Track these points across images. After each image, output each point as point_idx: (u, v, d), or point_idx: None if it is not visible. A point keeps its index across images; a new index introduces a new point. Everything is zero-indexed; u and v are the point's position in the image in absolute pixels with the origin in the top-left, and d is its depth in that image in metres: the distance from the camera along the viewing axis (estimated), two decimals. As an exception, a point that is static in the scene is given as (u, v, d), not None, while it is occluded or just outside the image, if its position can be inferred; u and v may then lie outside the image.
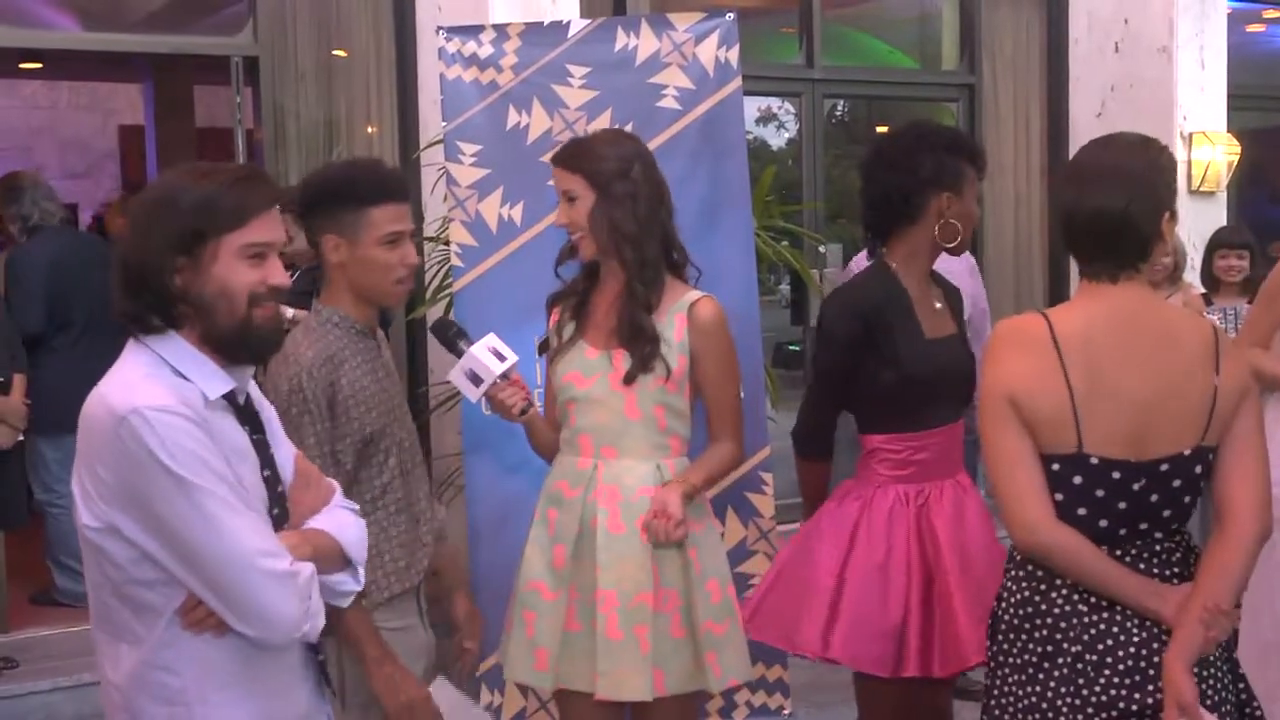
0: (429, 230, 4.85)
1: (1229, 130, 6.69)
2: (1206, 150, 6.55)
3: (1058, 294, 6.96)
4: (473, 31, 3.78)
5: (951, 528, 2.77)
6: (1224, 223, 6.41)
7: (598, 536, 2.64)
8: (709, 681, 2.67)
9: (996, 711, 2.18)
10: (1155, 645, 2.05)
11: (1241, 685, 2.16)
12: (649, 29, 3.70)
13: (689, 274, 2.77)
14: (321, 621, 1.86)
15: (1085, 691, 2.06)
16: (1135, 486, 2.08)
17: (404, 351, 5.37)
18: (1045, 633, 2.10)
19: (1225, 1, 6.73)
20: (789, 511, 4.13)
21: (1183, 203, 6.43)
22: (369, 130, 5.52)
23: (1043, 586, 2.12)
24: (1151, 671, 2.04)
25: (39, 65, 9.38)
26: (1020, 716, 2.12)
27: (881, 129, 7.15)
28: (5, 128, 10.33)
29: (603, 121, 3.61)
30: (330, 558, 1.92)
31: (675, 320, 2.67)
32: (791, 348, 6.59)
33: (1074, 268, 2.24)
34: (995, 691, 2.19)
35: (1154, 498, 2.09)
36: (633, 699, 2.64)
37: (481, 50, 3.72)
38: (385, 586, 2.40)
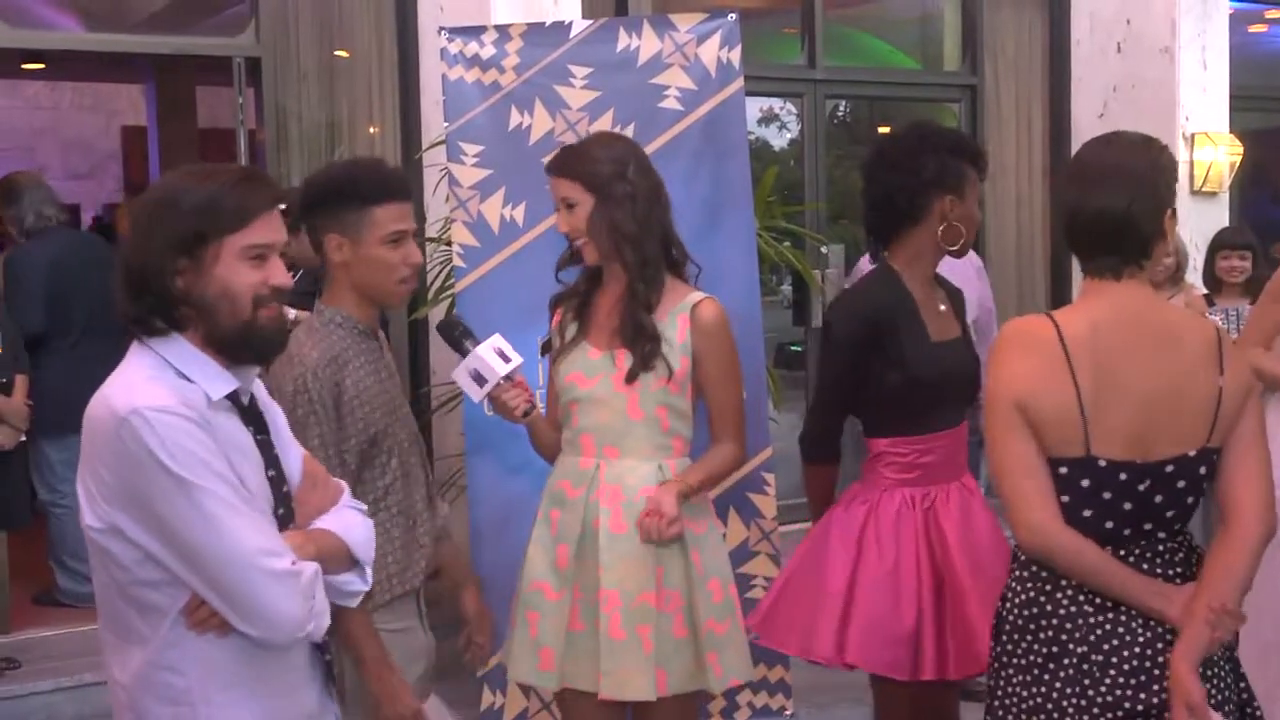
0: (431, 231, 4.84)
1: (1231, 131, 6.68)
2: (1209, 151, 6.54)
3: (1060, 294, 6.95)
4: (475, 32, 3.78)
5: (960, 530, 2.77)
6: (1226, 223, 6.40)
7: (600, 537, 2.64)
8: (710, 681, 2.67)
9: (1000, 712, 2.18)
10: (1160, 645, 2.06)
11: (1243, 685, 2.16)
12: (651, 30, 3.69)
13: (689, 271, 2.77)
14: (326, 621, 1.86)
15: (1091, 692, 2.06)
16: (1141, 488, 2.08)
17: (406, 352, 5.37)
18: (1050, 633, 2.10)
19: (1227, 2, 6.72)
20: (791, 512, 4.14)
21: (1185, 203, 6.43)
22: (371, 131, 5.52)
23: (1048, 587, 2.12)
24: (1156, 672, 2.05)
25: (42, 66, 9.39)
26: (1025, 717, 2.12)
27: (883, 130, 7.14)
28: (8, 128, 10.33)
29: (605, 122, 3.61)
30: (336, 558, 1.92)
31: (678, 321, 2.68)
32: (793, 348, 6.58)
33: (1076, 268, 2.24)
34: (999, 692, 2.18)
35: (1158, 499, 2.10)
36: (636, 699, 2.64)
37: (483, 51, 3.72)
38: (387, 589, 2.40)
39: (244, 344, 1.83)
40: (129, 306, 1.80)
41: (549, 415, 2.84)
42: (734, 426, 2.74)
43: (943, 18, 7.12)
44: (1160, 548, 2.13)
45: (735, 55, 3.66)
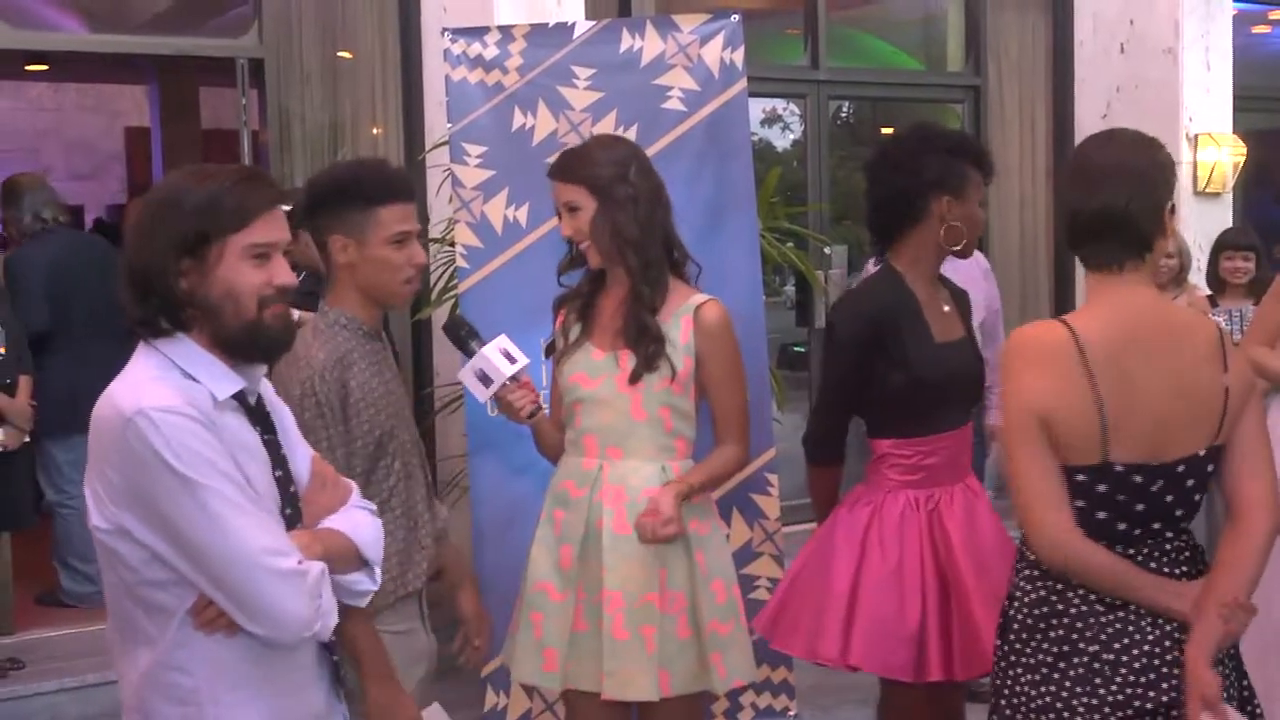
0: (434, 232, 4.84)
1: (1234, 131, 6.67)
2: (1212, 152, 6.53)
3: (1064, 295, 6.95)
4: (478, 33, 3.78)
5: (964, 531, 2.77)
6: (1229, 224, 6.37)
7: (604, 537, 2.65)
8: (714, 682, 2.67)
9: (1008, 711, 2.17)
10: (1168, 644, 2.06)
11: (1245, 682, 2.17)
12: (654, 30, 3.69)
13: (690, 271, 2.77)
14: (334, 621, 1.85)
15: (1102, 691, 2.06)
16: (1153, 489, 2.09)
17: (409, 353, 5.36)
18: (1061, 633, 2.11)
19: (1231, 3, 6.71)
20: (794, 513, 4.14)
21: (1188, 204, 6.42)
22: (374, 132, 5.52)
23: (1059, 587, 2.12)
24: (1165, 670, 2.06)
25: (45, 67, 9.39)
26: (1034, 716, 2.12)
27: (886, 131, 7.14)
28: (11, 129, 10.34)
29: (608, 123, 3.61)
30: (345, 557, 1.92)
31: (681, 322, 2.68)
32: (796, 349, 6.57)
33: (1079, 269, 2.27)
34: (1006, 692, 2.18)
35: (1169, 498, 2.11)
36: (639, 699, 2.64)
37: (487, 52, 3.72)
38: (389, 591, 2.38)
39: (250, 344, 1.82)
40: (134, 308, 1.80)
41: (552, 416, 2.85)
42: (737, 428, 2.74)
43: (946, 18, 7.11)
44: (1167, 546, 2.14)
45: (738, 56, 3.66)
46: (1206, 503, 2.21)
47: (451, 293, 4.34)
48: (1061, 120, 6.96)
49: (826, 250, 6.14)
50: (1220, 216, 6.52)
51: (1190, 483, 2.11)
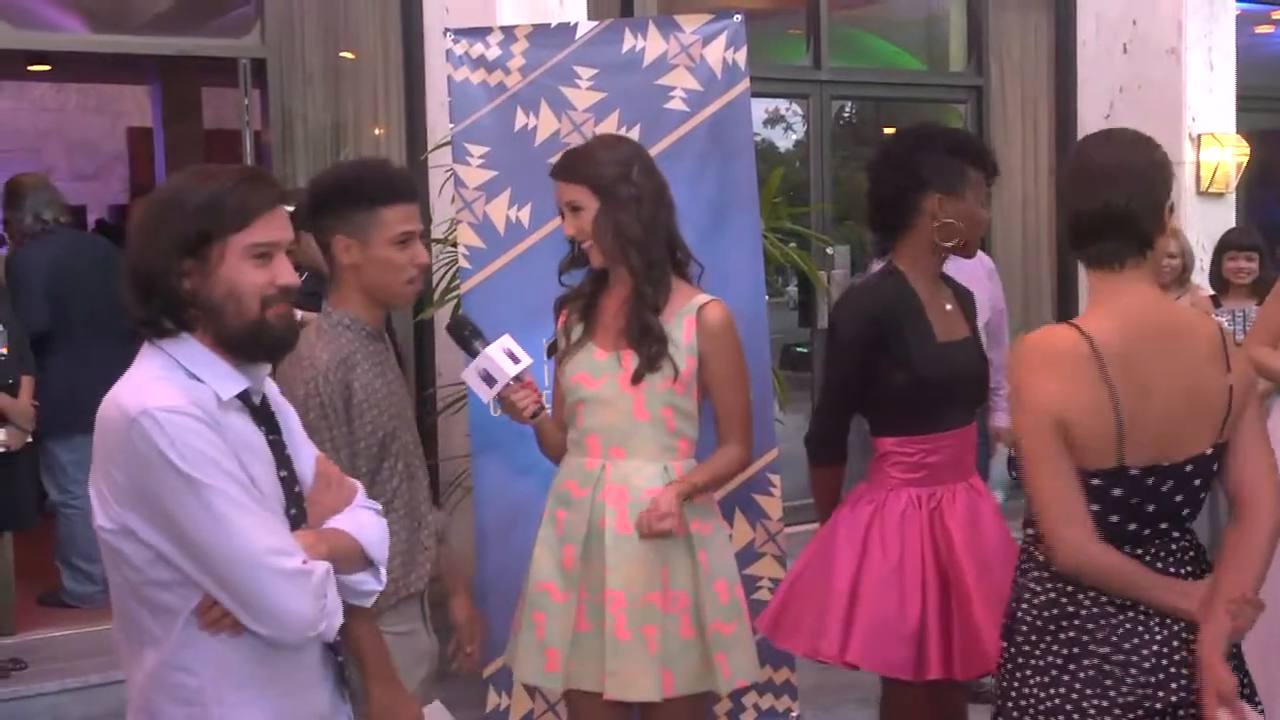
0: (436, 232, 4.83)
1: (1238, 131, 6.65)
2: (1215, 152, 6.52)
3: (1066, 295, 6.94)
4: (480, 33, 3.77)
5: (966, 531, 2.77)
6: (1233, 224, 6.37)
7: (606, 537, 2.64)
8: (718, 683, 2.67)
9: (1016, 714, 2.17)
10: (1176, 643, 2.08)
11: (1246, 680, 2.17)
12: (656, 31, 3.68)
13: (692, 271, 2.77)
14: (339, 621, 1.85)
15: (1113, 693, 2.06)
16: (1164, 489, 2.11)
17: (411, 353, 5.35)
18: (1072, 634, 2.11)
19: (1234, 3, 6.70)
20: (797, 514, 4.13)
21: (1191, 204, 6.41)
22: (376, 132, 5.52)
23: (1069, 589, 2.12)
24: (1174, 669, 2.07)
25: (47, 67, 9.37)
26: (1043, 718, 2.12)
27: (889, 131, 7.14)
28: (13, 129, 10.33)
29: (610, 123, 3.60)
30: (350, 557, 1.91)
31: (684, 323, 2.68)
32: (799, 350, 6.57)
33: (1082, 269, 2.25)
34: (1013, 694, 2.18)
35: (1178, 498, 2.13)
36: (641, 699, 2.64)
37: (489, 52, 3.71)
38: (392, 592, 2.37)
39: (253, 343, 1.82)
40: (138, 308, 1.80)
41: (555, 416, 2.84)
42: (740, 428, 2.73)
43: (948, 19, 7.10)
44: (1174, 545, 2.15)
45: (741, 56, 3.65)
46: (1210, 501, 2.24)
47: (454, 293, 4.34)
48: (1064, 120, 6.95)
49: (829, 250, 6.14)
50: (1223, 217, 6.51)
51: (1197, 482, 2.12)
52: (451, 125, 3.77)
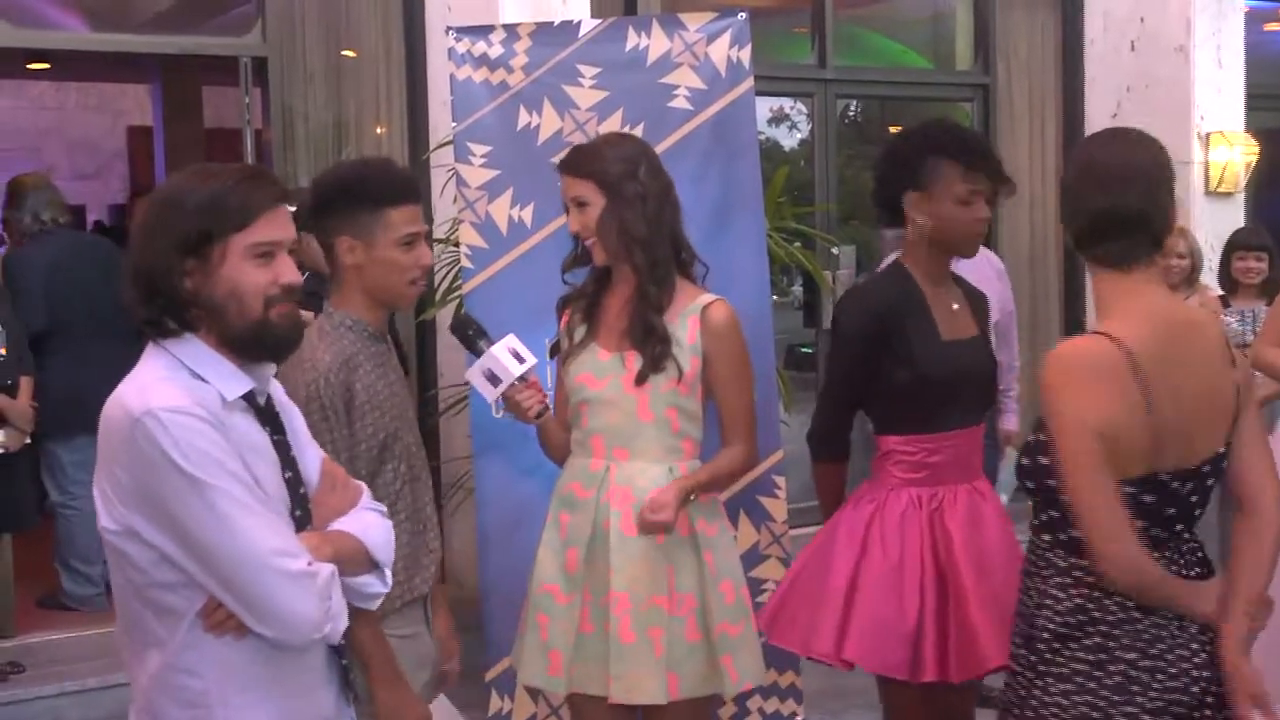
0: (438, 232, 4.81)
1: (1247, 130, 6.64)
2: (1224, 151, 6.50)
3: (1073, 295, 6.92)
4: (483, 32, 3.76)
5: (966, 532, 2.75)
6: (1242, 224, 6.35)
7: (611, 538, 2.63)
8: (724, 685, 2.66)
9: None
10: (1195, 646, 2.08)
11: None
12: (660, 29, 3.67)
13: (697, 271, 2.77)
14: (344, 623, 1.85)
15: (1140, 699, 2.05)
16: (1183, 491, 2.11)
17: (413, 354, 5.35)
18: (1098, 640, 2.09)
19: (1242, 0, 6.67)
20: (802, 515, 4.10)
21: (1200, 204, 6.39)
22: (378, 131, 5.52)
23: (1095, 594, 2.10)
24: (1195, 672, 2.07)
25: (47, 66, 9.37)
26: None
27: (894, 130, 7.12)
28: (13, 128, 10.33)
29: (614, 122, 3.58)
30: (355, 559, 1.91)
31: (688, 323, 2.67)
32: (804, 350, 6.55)
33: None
34: (1034, 703, 2.15)
35: (1194, 499, 2.14)
36: (646, 702, 2.63)
37: (492, 50, 3.70)
38: (395, 595, 2.34)
39: (257, 343, 1.81)
40: (140, 309, 1.79)
41: (558, 416, 2.83)
42: (744, 429, 2.72)
43: (954, 17, 7.09)
44: (1184, 547, 2.16)
45: (745, 55, 3.64)
46: (1218, 500, 2.25)
47: (456, 293, 4.34)
48: (1071, 119, 6.93)
49: (834, 250, 6.13)
50: (1232, 216, 6.49)
51: (1210, 482, 2.14)
52: (454, 124, 3.75)
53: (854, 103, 7.20)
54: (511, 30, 3.75)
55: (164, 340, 1.80)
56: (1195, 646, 2.07)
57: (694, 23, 3.65)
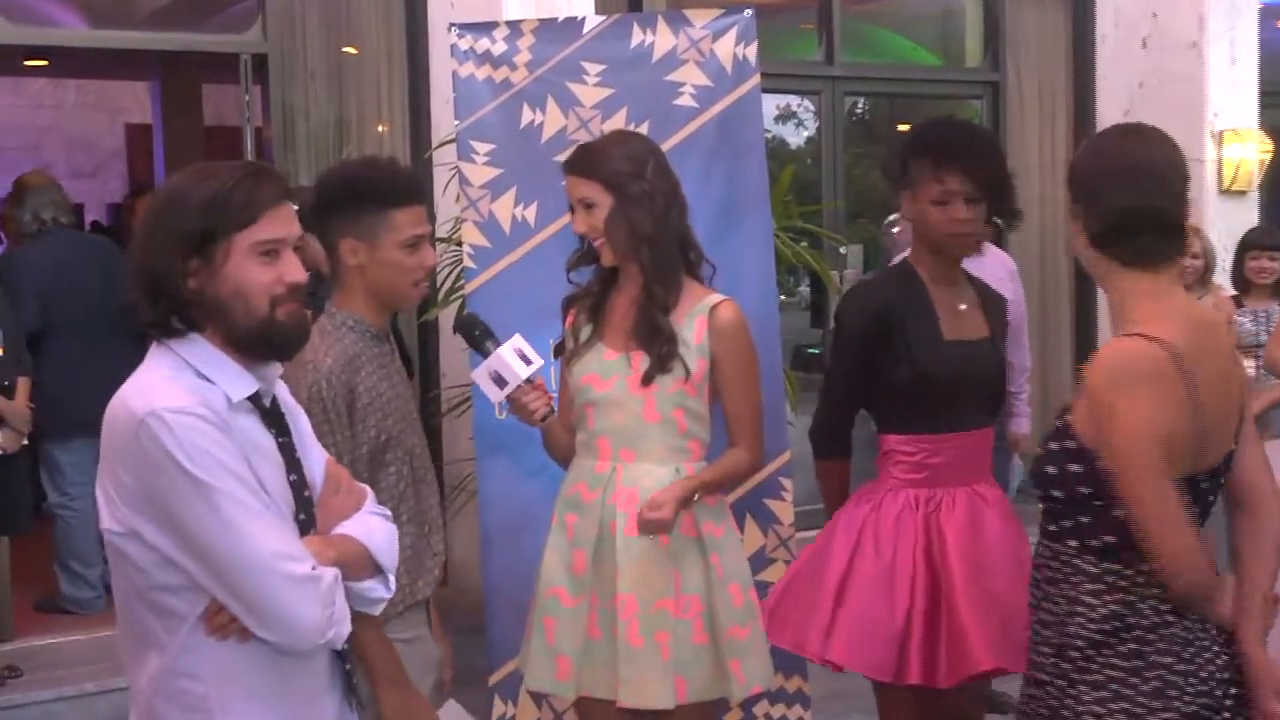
0: (441, 231, 4.82)
1: (1260, 128, 6.63)
2: (1237, 148, 6.49)
3: (1084, 294, 6.89)
4: (486, 28, 3.73)
5: (962, 535, 2.73)
6: (1255, 223, 6.33)
7: (617, 540, 2.62)
8: (732, 689, 2.65)
9: None
10: (1216, 648, 2.09)
11: None
12: (665, 25, 3.64)
13: (704, 271, 2.75)
14: (347, 628, 1.84)
15: (1177, 704, 2.04)
16: (1205, 490, 2.12)
17: (416, 355, 5.34)
18: (1133, 645, 2.07)
19: (1256, -4, 6.66)
20: (809, 518, 4.05)
21: (1213, 203, 6.37)
22: (380, 129, 5.53)
23: (1130, 598, 2.08)
24: (1220, 674, 2.08)
25: (45, 63, 9.36)
26: None
27: (903, 127, 7.11)
28: (11, 126, 10.34)
29: (618, 120, 3.56)
30: (358, 564, 1.90)
31: (695, 323, 2.66)
32: (811, 351, 6.53)
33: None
34: (1067, 713, 2.12)
35: (1210, 498, 2.15)
36: (654, 706, 2.61)
37: (495, 47, 3.67)
38: (398, 599, 2.33)
39: (263, 342, 1.81)
40: (146, 310, 1.78)
41: (561, 418, 2.81)
42: (750, 431, 2.71)
43: (964, 12, 7.09)
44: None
45: (751, 51, 3.60)
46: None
47: (458, 293, 4.32)
48: (1083, 116, 6.92)
49: (842, 250, 6.13)
50: (1245, 215, 6.47)
51: (1221, 479, 2.16)
52: (456, 122, 3.72)
53: (862, 100, 7.20)
54: (515, 27, 3.72)
55: (169, 340, 1.79)
56: (1217, 649, 2.07)
57: (700, 19, 3.62)
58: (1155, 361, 2.01)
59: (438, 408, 4.99)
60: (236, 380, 1.80)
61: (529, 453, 3.23)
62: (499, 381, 2.67)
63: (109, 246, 5.42)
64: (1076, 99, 6.94)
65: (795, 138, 6.91)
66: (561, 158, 2.76)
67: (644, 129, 3.41)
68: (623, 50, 3.62)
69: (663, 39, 3.61)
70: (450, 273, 4.56)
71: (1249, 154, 6.49)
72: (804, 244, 5.03)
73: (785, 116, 6.81)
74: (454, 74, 3.69)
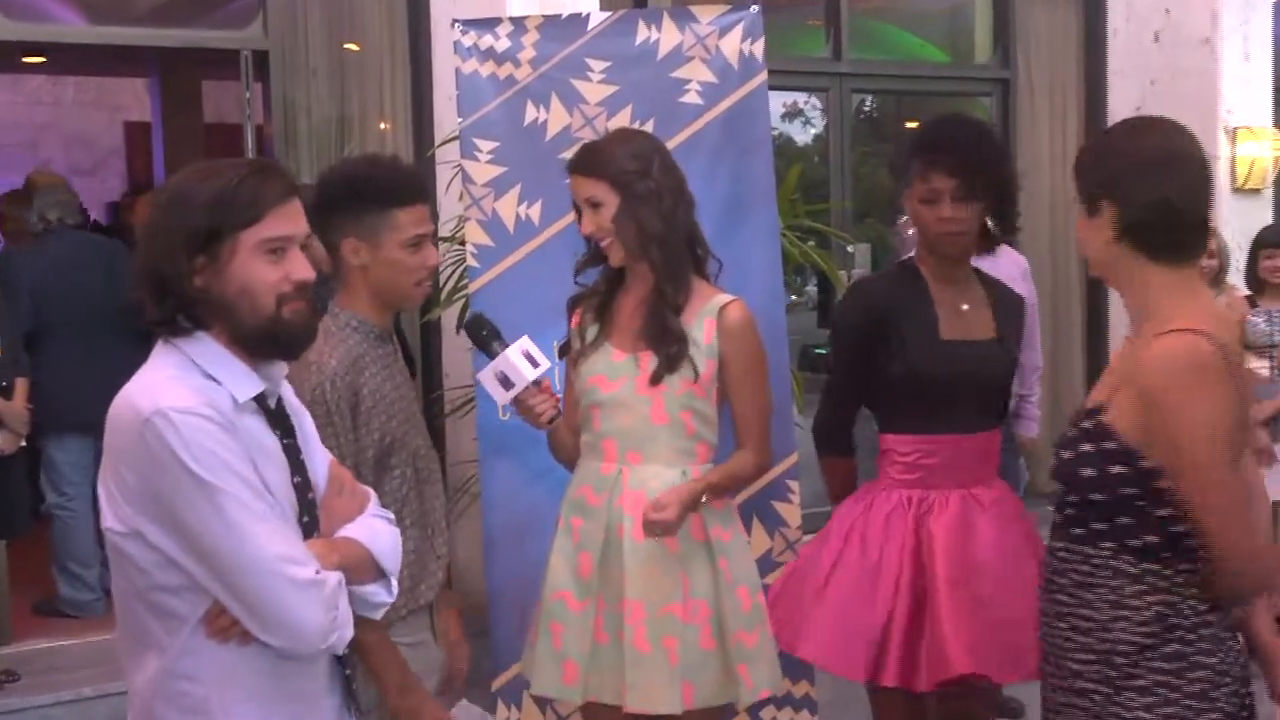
0: (444, 230, 4.82)
1: (1275, 125, 6.60)
2: (1251, 146, 6.47)
3: (1096, 293, 6.85)
4: (489, 24, 3.71)
5: (952, 539, 2.70)
6: (1269, 221, 6.29)
7: (624, 544, 2.61)
8: (740, 694, 2.65)
9: None
10: (1239, 645, 2.10)
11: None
12: (671, 22, 3.62)
13: (710, 267, 2.74)
14: (349, 633, 1.83)
15: (1221, 704, 2.04)
16: None
17: (419, 355, 5.33)
18: (1176, 646, 2.05)
19: (1270, -8, 6.62)
20: (816, 521, 4.01)
21: (1226, 202, 6.35)
22: (382, 126, 5.51)
23: (1172, 598, 2.06)
24: (1243, 672, 2.08)
25: (43, 60, 9.33)
26: None
27: (911, 125, 7.08)
28: (10, 123, 10.31)
29: (623, 117, 3.54)
30: (361, 567, 1.90)
31: (704, 323, 2.64)
32: (818, 351, 6.50)
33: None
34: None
35: None
36: (662, 711, 2.61)
37: (498, 44, 3.65)
38: (402, 604, 2.32)
39: (270, 340, 1.80)
40: (151, 308, 1.78)
41: (566, 419, 2.79)
42: (757, 433, 2.69)
43: (973, 8, 7.06)
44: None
45: (758, 48, 3.59)
46: None
47: (461, 293, 4.31)
48: (1094, 113, 6.87)
49: (849, 249, 6.12)
50: (1259, 214, 6.43)
51: None
52: (459, 119, 3.70)
53: (869, 97, 7.18)
54: (518, 23, 3.70)
55: (175, 339, 1.79)
56: (1238, 645, 2.09)
57: (706, 15, 3.61)
58: (1211, 356, 1.99)
59: (441, 408, 4.99)
60: (242, 380, 1.79)
61: (533, 454, 3.21)
62: (505, 383, 2.65)
63: (112, 246, 5.43)
64: (1088, 96, 6.90)
65: (802, 135, 6.90)
66: (566, 155, 2.74)
67: (649, 126, 3.40)
68: (628, 47, 3.61)
69: (668, 35, 3.60)
70: (453, 272, 4.55)
71: (1263, 151, 6.47)
72: (811, 243, 5.01)
73: (792, 114, 6.80)
74: (457, 71, 3.68)
